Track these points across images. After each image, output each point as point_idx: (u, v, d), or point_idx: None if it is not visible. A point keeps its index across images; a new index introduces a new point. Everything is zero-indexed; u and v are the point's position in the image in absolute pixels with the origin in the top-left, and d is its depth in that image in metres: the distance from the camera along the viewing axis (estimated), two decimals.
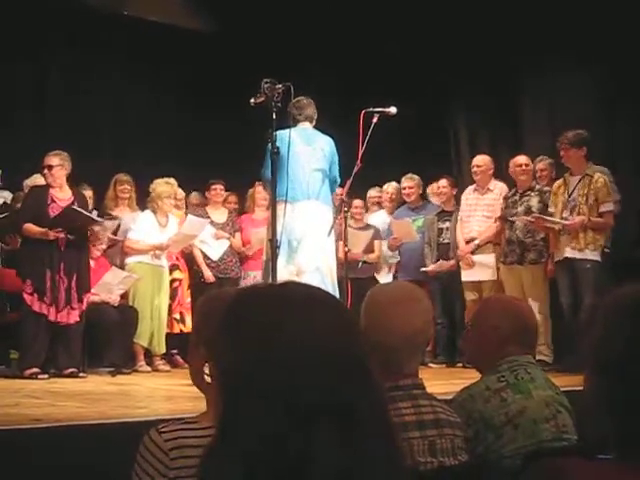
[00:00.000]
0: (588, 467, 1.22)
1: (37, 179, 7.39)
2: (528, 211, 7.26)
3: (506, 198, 7.56)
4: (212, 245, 8.10)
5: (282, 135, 5.83)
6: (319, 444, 1.08)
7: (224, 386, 1.17)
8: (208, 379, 2.07)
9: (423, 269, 8.08)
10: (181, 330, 7.88)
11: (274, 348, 1.13)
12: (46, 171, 6.90)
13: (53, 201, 6.86)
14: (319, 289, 1.26)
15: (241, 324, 1.18)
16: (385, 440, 1.16)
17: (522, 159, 7.56)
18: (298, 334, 1.14)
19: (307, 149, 6.15)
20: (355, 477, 1.10)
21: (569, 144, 6.98)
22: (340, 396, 1.12)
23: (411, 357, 2.42)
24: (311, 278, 5.86)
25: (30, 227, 6.75)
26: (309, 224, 6.04)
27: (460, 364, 7.56)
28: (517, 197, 7.45)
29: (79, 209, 6.83)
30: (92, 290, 7.17)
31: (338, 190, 7.69)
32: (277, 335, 1.14)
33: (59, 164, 6.86)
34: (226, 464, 1.10)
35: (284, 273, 5.75)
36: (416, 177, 8.53)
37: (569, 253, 6.89)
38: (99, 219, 7.24)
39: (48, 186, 6.93)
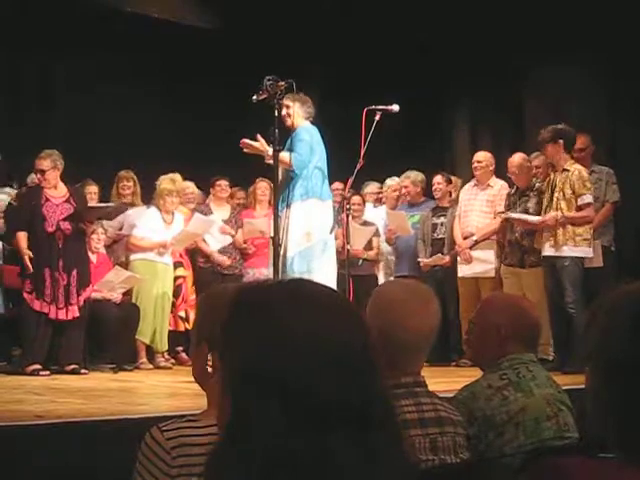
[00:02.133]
0: (589, 466, 1.22)
1: None
2: (526, 212, 7.20)
3: (508, 196, 7.50)
4: (215, 236, 8.10)
5: (311, 130, 5.96)
6: (335, 444, 1.07)
7: (235, 386, 1.15)
8: (209, 370, 2.06)
9: (419, 260, 8.01)
10: (186, 328, 7.88)
11: (287, 346, 1.12)
12: (39, 175, 6.92)
13: (47, 199, 6.87)
14: (328, 287, 1.26)
15: (251, 322, 1.16)
16: (394, 440, 1.15)
17: (514, 160, 7.38)
18: (310, 332, 1.13)
19: (322, 149, 6.22)
20: (369, 478, 1.10)
21: (545, 141, 6.88)
22: (354, 395, 1.11)
23: (420, 355, 2.43)
24: (333, 278, 6.07)
25: (20, 239, 6.78)
26: (330, 224, 6.14)
27: (454, 363, 7.53)
28: (517, 197, 7.37)
29: (95, 205, 6.93)
30: (94, 287, 7.19)
31: (340, 187, 7.73)
32: (289, 333, 1.13)
33: (51, 167, 6.86)
34: (238, 465, 1.09)
35: (325, 273, 5.84)
36: (413, 174, 8.41)
37: (548, 251, 6.79)
38: (104, 205, 7.40)
39: (40, 186, 6.95)
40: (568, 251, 6.69)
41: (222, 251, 8.17)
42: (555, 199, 6.76)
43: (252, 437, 1.09)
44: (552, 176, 6.94)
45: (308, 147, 6.01)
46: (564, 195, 6.74)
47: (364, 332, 1.21)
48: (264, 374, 1.11)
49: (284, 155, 5.89)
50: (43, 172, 6.86)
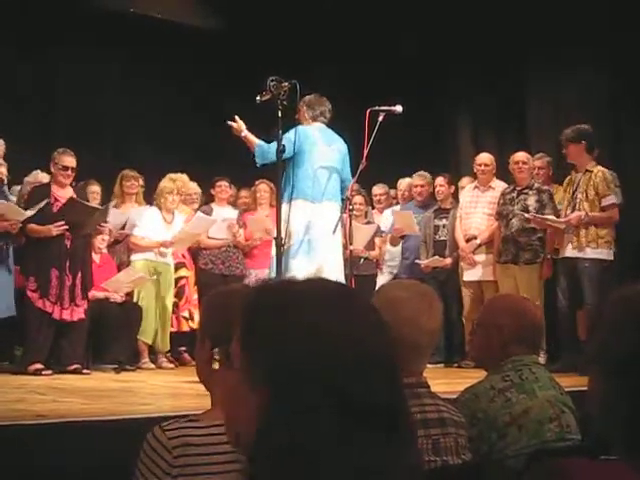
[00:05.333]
0: (591, 467, 1.22)
1: (37, 175, 7.38)
2: (525, 210, 7.18)
3: (504, 194, 7.48)
4: (220, 227, 8.09)
5: (306, 132, 5.94)
6: (363, 444, 1.07)
7: (268, 385, 1.13)
8: (216, 365, 2.05)
9: (418, 261, 8.01)
10: (190, 328, 7.88)
11: (319, 348, 1.10)
12: (65, 172, 6.84)
13: (56, 200, 6.86)
14: (346, 285, 1.26)
15: (279, 323, 1.13)
16: (410, 441, 1.15)
17: (520, 156, 7.44)
18: (340, 333, 1.11)
19: (327, 149, 6.19)
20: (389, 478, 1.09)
21: (568, 140, 6.90)
22: (384, 395, 1.10)
23: (423, 356, 2.42)
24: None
25: (33, 227, 6.73)
26: (327, 225, 6.10)
27: (456, 364, 7.52)
28: (514, 194, 7.36)
29: (81, 200, 6.86)
30: (102, 285, 7.20)
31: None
32: (318, 336, 1.11)
33: (75, 167, 6.86)
34: (274, 462, 1.08)
35: (303, 273, 5.79)
36: (428, 175, 8.42)
37: (569, 252, 6.78)
38: (100, 207, 7.24)
39: (49, 185, 6.92)
40: (590, 253, 6.71)
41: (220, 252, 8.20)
42: (579, 200, 6.77)
43: (290, 434, 1.07)
44: (573, 176, 6.95)
45: (286, 143, 5.84)
46: (587, 196, 6.76)
47: (387, 330, 1.20)
48: (299, 375, 1.09)
49: (257, 144, 6.04)
50: (73, 169, 6.85)
